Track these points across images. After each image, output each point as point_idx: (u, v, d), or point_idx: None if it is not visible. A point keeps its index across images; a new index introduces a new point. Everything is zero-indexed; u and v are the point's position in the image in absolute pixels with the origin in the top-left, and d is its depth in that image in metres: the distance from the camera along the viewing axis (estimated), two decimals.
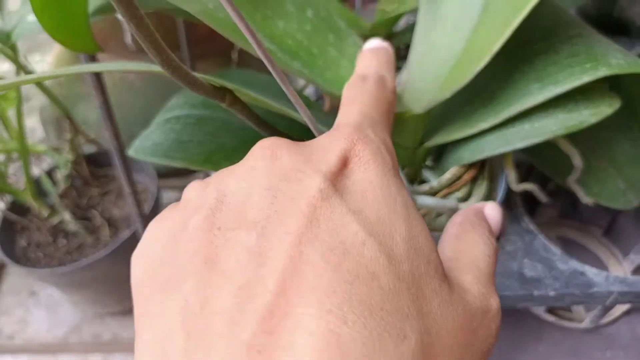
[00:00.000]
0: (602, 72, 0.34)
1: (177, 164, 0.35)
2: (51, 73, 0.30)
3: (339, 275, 0.15)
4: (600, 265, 0.56)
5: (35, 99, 1.49)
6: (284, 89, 0.24)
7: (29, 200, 0.81)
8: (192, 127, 0.38)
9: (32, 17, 0.62)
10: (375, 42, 0.31)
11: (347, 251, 0.16)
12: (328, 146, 0.19)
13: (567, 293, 0.41)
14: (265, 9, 0.36)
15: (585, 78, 0.34)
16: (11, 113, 0.79)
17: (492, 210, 0.24)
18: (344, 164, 0.19)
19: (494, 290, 0.20)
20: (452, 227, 0.23)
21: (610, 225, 0.58)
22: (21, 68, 0.68)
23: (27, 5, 0.63)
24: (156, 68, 0.26)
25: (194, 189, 0.20)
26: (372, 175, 0.19)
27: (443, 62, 0.36)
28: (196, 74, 0.27)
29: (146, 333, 0.17)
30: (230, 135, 0.38)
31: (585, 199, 0.44)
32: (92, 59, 0.42)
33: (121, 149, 0.47)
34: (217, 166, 0.36)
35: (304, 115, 0.26)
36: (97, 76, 0.44)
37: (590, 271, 0.42)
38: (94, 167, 0.93)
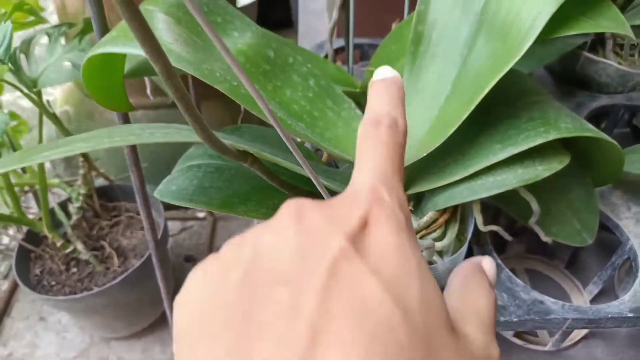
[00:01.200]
0: (553, 135, 0.42)
1: (200, 207, 0.42)
2: (93, 145, 0.37)
3: (361, 331, 0.17)
4: (564, 295, 0.63)
5: (37, 128, 1.56)
6: (293, 151, 0.30)
7: (44, 231, 0.87)
8: (211, 174, 0.45)
9: (56, 68, 0.69)
10: (386, 72, 0.29)
11: (366, 308, 0.18)
12: (348, 209, 0.21)
13: (528, 319, 0.47)
14: (276, 80, 0.43)
15: (539, 140, 0.41)
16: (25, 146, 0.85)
17: (489, 265, 0.26)
18: (363, 225, 0.20)
19: (495, 339, 0.22)
20: (456, 279, 0.25)
21: (572, 259, 0.65)
22: (45, 111, 0.75)
23: (51, 56, 0.70)
24: (195, 138, 0.34)
25: (231, 245, 0.22)
26: (388, 236, 0.20)
27: (421, 126, 0.44)
28: (226, 141, 0.34)
29: None
30: (243, 182, 0.45)
31: (545, 238, 0.51)
32: (124, 114, 0.50)
33: (144, 191, 0.54)
34: (233, 210, 0.43)
35: (304, 167, 0.32)
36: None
37: (549, 300, 0.49)
38: (103, 200, 0.99)
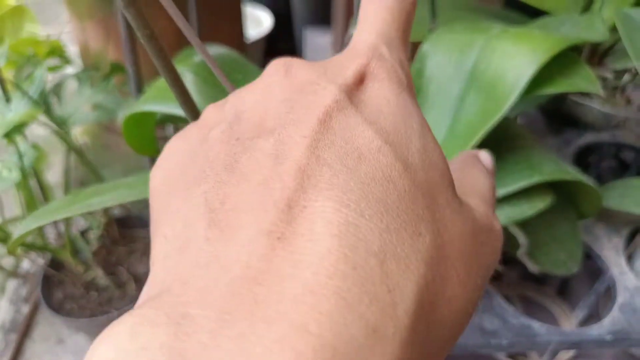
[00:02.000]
0: (536, 178, 0.47)
1: None
2: (125, 198, 0.42)
3: (356, 176, 0.15)
4: (554, 319, 0.69)
5: (56, 154, 1.61)
6: None
7: (67, 257, 0.93)
8: None
9: (85, 108, 0.75)
10: None
11: (363, 156, 0.16)
12: (343, 62, 0.19)
13: (516, 342, 0.53)
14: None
15: (523, 183, 0.47)
16: (50, 178, 0.91)
17: (485, 156, 0.25)
18: (359, 80, 0.19)
19: (496, 216, 0.21)
20: (453, 164, 0.24)
21: (562, 286, 0.70)
22: (72, 147, 0.80)
23: (81, 97, 0.76)
24: None
25: (212, 108, 0.21)
26: (387, 92, 0.18)
27: None
28: None
29: (165, 229, 0.17)
30: None
31: (533, 267, 0.56)
32: (153, 158, 0.55)
33: None
34: None
35: None
36: None
37: (536, 324, 0.54)
38: (121, 228, 1.05)
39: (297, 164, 0.15)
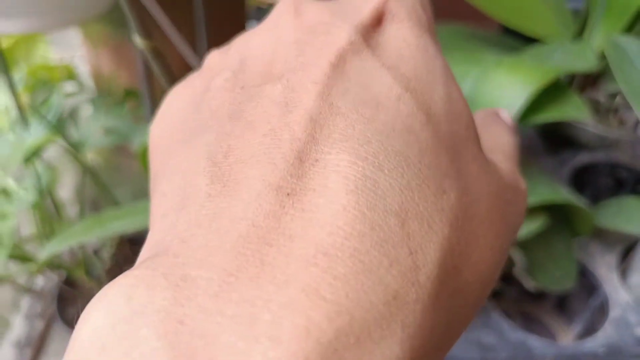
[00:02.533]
0: (530, 200, 0.50)
1: None
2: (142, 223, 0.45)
3: (374, 127, 0.14)
4: (552, 334, 0.71)
5: (67, 172, 1.64)
6: None
7: (81, 275, 0.96)
8: None
9: (99, 134, 0.79)
10: None
11: (381, 104, 0.14)
12: (359, 1, 0.18)
13: (513, 356, 0.55)
14: None
15: None
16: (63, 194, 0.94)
17: (507, 115, 0.23)
18: (376, 20, 0.17)
19: (521, 173, 0.20)
20: (475, 120, 0.21)
21: (559, 301, 0.73)
22: (87, 170, 0.84)
23: (96, 122, 0.80)
24: None
25: (215, 54, 0.19)
26: (407, 34, 0.17)
27: None
28: None
29: (164, 185, 0.15)
30: None
31: (528, 284, 0.59)
32: None
33: None
34: None
35: None
36: None
37: (532, 339, 0.57)
38: (133, 246, 1.08)
39: (307, 112, 0.14)
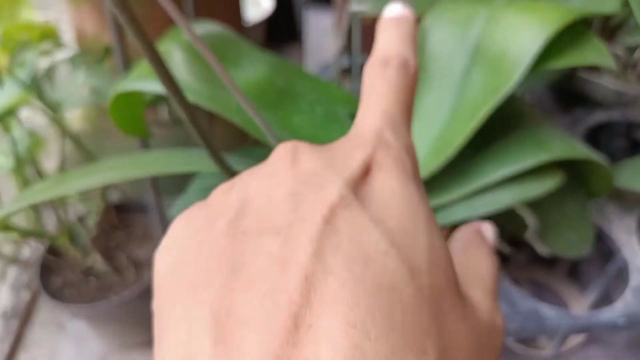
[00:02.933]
0: (544, 157, 0.45)
1: None
2: (110, 180, 0.40)
3: (362, 287, 0.15)
4: (564, 302, 0.67)
5: (54, 142, 1.60)
6: None
7: (65, 244, 0.91)
8: None
9: (79, 93, 0.73)
10: (396, 9, 0.26)
11: (369, 261, 0.16)
12: (349, 152, 0.19)
13: (525, 326, 0.51)
14: (285, 109, 0.47)
15: (531, 162, 0.45)
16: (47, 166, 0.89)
17: (488, 230, 0.24)
18: (365, 171, 0.19)
19: (498, 307, 0.21)
20: (456, 242, 0.24)
21: (573, 268, 0.68)
22: (65, 133, 0.78)
23: (74, 81, 0.74)
24: (211, 167, 0.37)
25: (219, 194, 0.20)
26: (393, 184, 0.18)
27: (423, 149, 0.47)
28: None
29: (170, 335, 0.16)
30: None
31: (542, 250, 0.54)
32: (144, 139, 0.53)
33: (161, 210, 0.58)
34: None
35: None
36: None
37: (544, 308, 0.52)
38: (120, 213, 1.03)
39: (303, 271, 0.15)
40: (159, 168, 0.40)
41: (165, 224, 0.61)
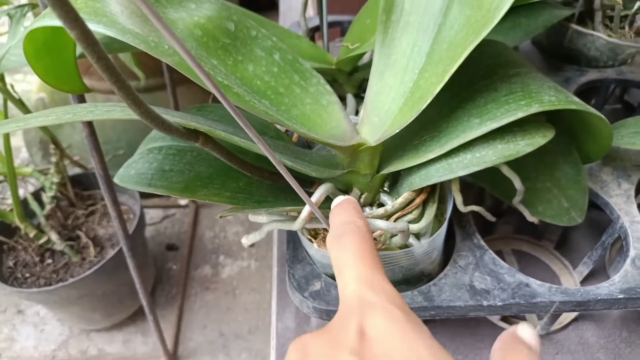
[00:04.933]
0: (535, 108, 0.39)
1: (159, 192, 0.39)
2: (41, 122, 0.34)
3: None
4: (553, 276, 0.61)
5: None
6: (244, 127, 0.28)
7: (16, 221, 0.84)
8: (172, 157, 0.42)
9: (19, 51, 0.66)
10: (339, 198, 0.34)
11: None
12: (344, 325, 0.23)
13: (513, 303, 0.45)
14: (237, 54, 0.40)
15: (520, 114, 0.39)
16: None
17: (525, 332, 0.25)
18: (362, 335, 0.22)
19: None
20: (495, 354, 0.25)
21: (561, 240, 0.62)
22: (9, 96, 0.71)
23: (14, 38, 0.67)
24: (132, 116, 0.31)
25: None
26: (387, 331, 0.22)
27: (394, 100, 0.41)
28: (173, 118, 0.31)
29: None
30: (205, 165, 0.42)
31: (531, 217, 0.48)
32: (80, 95, 0.46)
33: (107, 177, 0.51)
34: (195, 194, 0.40)
35: (266, 153, 0.29)
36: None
37: (535, 283, 0.46)
38: (78, 188, 0.96)
39: None
40: (70, 117, 0.33)
41: (113, 193, 0.54)
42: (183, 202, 1.38)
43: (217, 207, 1.39)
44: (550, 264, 0.62)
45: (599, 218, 0.57)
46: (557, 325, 0.55)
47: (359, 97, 0.58)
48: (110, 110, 0.33)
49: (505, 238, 0.64)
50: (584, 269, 0.58)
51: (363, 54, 0.54)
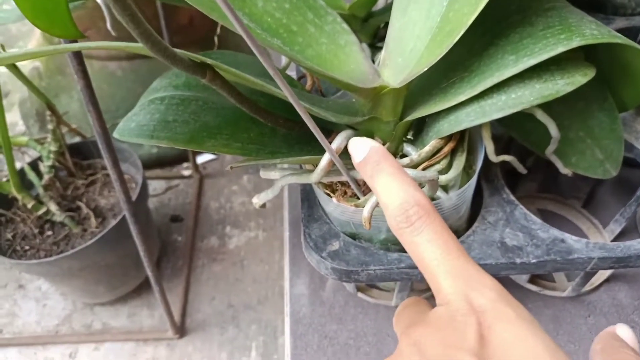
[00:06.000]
0: (576, 42, 0.35)
1: (163, 144, 0.36)
2: (36, 51, 0.31)
3: None
4: (582, 235, 0.57)
5: (14, 94, 1.49)
6: (265, 64, 0.24)
7: (13, 192, 0.81)
8: (176, 107, 0.39)
9: (7, 6, 0.62)
10: (360, 147, 0.29)
11: None
12: (460, 328, 0.23)
13: (548, 260, 0.42)
14: None
15: (560, 48, 0.35)
16: None
17: (625, 332, 0.26)
18: (481, 339, 0.22)
19: None
20: (596, 356, 0.25)
21: (589, 197, 0.59)
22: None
23: None
24: (136, 45, 0.27)
25: None
26: (506, 335, 0.22)
27: (419, 37, 0.37)
28: (176, 50, 0.27)
29: None
30: (212, 114, 0.39)
31: (564, 169, 0.45)
32: (73, 41, 0.43)
33: (106, 134, 0.47)
34: (201, 145, 0.36)
35: (285, 91, 0.26)
36: (79, 59, 0.44)
37: (571, 238, 0.43)
38: (77, 158, 0.93)
39: None
40: (75, 46, 0.29)
41: (112, 152, 0.50)
42: (186, 172, 1.35)
43: (222, 176, 1.36)
44: (577, 223, 0.59)
45: (629, 174, 0.54)
46: (588, 287, 0.52)
47: (374, 47, 0.54)
48: (108, 44, 0.29)
49: (529, 197, 0.60)
50: (615, 227, 0.55)
51: None
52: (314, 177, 0.36)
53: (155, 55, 0.25)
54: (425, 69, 0.34)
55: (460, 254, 0.25)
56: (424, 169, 0.38)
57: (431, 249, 0.25)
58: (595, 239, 0.57)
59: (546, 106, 0.37)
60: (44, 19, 0.38)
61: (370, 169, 0.28)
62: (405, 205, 0.26)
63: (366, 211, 0.35)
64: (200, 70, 0.28)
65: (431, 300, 0.28)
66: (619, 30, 0.64)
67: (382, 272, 0.41)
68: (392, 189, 0.27)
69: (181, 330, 1.04)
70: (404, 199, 0.26)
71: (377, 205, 0.35)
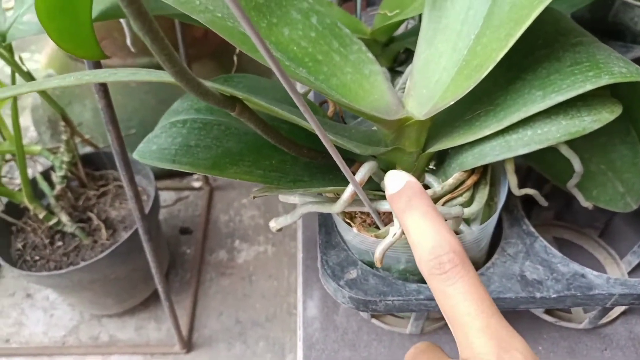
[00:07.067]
0: (605, 80, 0.35)
1: (185, 169, 0.35)
2: (58, 82, 0.30)
3: None
4: (598, 266, 0.57)
5: (26, 97, 1.49)
6: (293, 97, 0.24)
7: (25, 202, 0.81)
8: (198, 131, 0.38)
9: (27, 17, 0.62)
10: (396, 181, 0.28)
11: None
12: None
13: (568, 295, 0.41)
14: (271, 16, 0.36)
15: (588, 86, 0.35)
16: (4, 113, 0.79)
17: None
18: None
19: None
20: None
21: (606, 227, 0.58)
22: (17, 69, 0.67)
23: (22, 5, 0.63)
24: (168, 78, 0.27)
25: None
26: None
27: (445, 69, 0.37)
28: (207, 84, 0.27)
29: None
30: (234, 140, 0.39)
31: (585, 202, 0.44)
32: (96, 63, 0.43)
33: (124, 153, 0.47)
34: (223, 172, 0.36)
35: (315, 128, 0.26)
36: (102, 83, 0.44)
37: (591, 273, 0.42)
38: (89, 168, 0.92)
39: None
40: (103, 76, 0.29)
41: (129, 171, 0.50)
42: (197, 184, 1.35)
43: (232, 189, 1.35)
44: (594, 253, 0.58)
45: None
46: (605, 319, 0.52)
47: (394, 71, 0.54)
48: (135, 72, 0.29)
49: (545, 225, 0.60)
50: (633, 259, 0.54)
51: (400, 22, 0.50)
52: (336, 208, 0.36)
53: (188, 91, 0.25)
54: (452, 103, 0.34)
55: (494, 311, 0.24)
56: (446, 202, 0.38)
57: (465, 303, 0.24)
58: (612, 270, 0.56)
59: (569, 139, 0.36)
60: (69, 40, 0.38)
61: (404, 204, 0.27)
62: (439, 250, 0.25)
63: (378, 252, 0.35)
64: (230, 103, 0.28)
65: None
66: (639, 59, 0.64)
67: (400, 303, 0.40)
68: (425, 229, 0.26)
69: (188, 344, 1.03)
70: (438, 242, 0.25)
71: (390, 246, 0.34)
